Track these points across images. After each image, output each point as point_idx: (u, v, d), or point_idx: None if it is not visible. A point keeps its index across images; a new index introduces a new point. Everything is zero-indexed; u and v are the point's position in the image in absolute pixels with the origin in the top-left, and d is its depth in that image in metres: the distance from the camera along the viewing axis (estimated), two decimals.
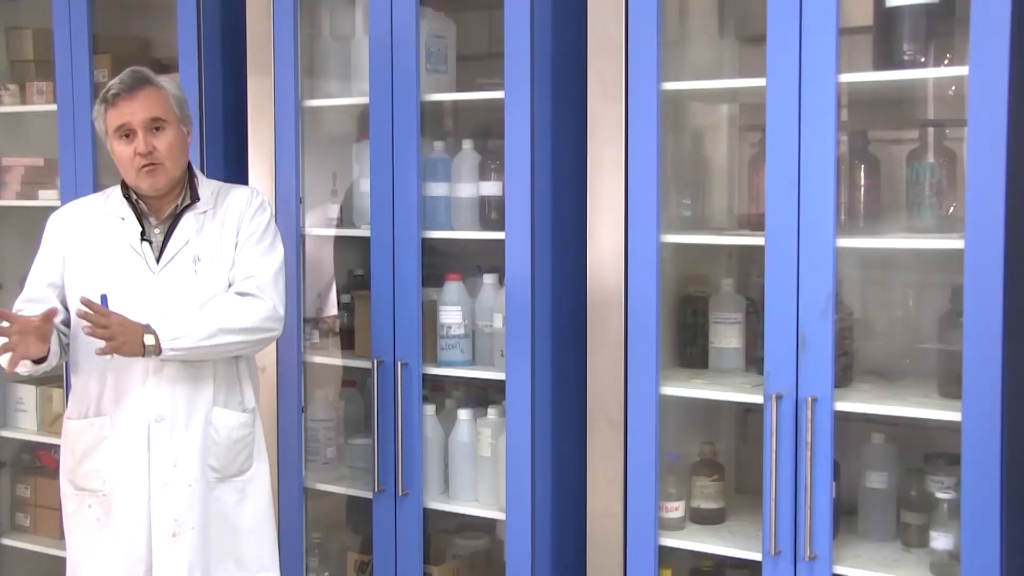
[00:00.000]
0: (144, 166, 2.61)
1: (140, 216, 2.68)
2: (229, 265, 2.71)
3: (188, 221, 2.69)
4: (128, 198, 2.69)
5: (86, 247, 2.68)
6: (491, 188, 3.07)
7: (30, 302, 2.68)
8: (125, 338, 2.49)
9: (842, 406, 2.55)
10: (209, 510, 2.70)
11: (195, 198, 2.72)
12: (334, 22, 3.34)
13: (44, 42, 3.73)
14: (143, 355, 2.53)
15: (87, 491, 2.70)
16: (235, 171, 3.36)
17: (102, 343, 2.48)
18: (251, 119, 3.27)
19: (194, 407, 2.67)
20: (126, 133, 2.61)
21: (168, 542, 2.65)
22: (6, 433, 3.96)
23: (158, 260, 2.66)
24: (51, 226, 2.75)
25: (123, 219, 2.68)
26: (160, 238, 2.68)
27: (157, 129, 2.62)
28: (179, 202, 2.71)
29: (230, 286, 2.69)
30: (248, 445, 2.78)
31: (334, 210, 3.36)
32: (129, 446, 2.65)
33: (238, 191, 2.82)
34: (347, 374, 3.43)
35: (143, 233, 2.67)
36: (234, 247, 2.72)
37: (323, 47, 3.31)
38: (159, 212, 2.70)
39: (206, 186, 2.76)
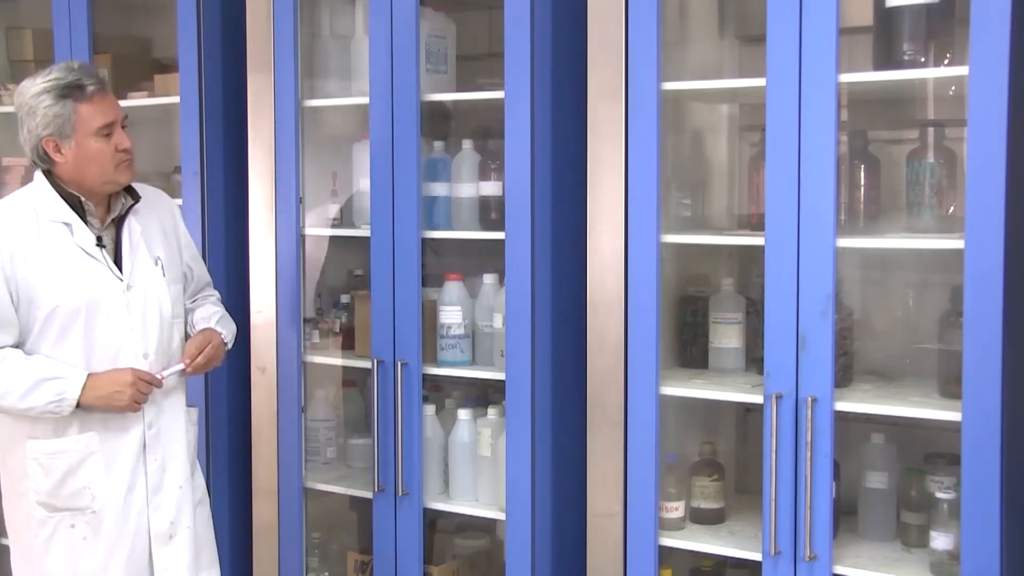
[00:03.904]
0: (124, 160, 2.56)
1: (84, 220, 2.58)
2: (180, 266, 2.76)
3: (131, 222, 2.64)
4: (73, 202, 2.57)
5: (32, 259, 2.52)
6: (491, 188, 3.07)
7: None
8: (219, 351, 2.75)
9: (842, 406, 2.55)
10: (194, 509, 2.72)
11: (136, 197, 2.66)
12: (334, 22, 3.34)
13: (44, 42, 3.73)
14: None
15: (70, 511, 2.58)
16: (235, 171, 3.37)
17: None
18: (251, 119, 3.26)
19: (175, 408, 2.70)
20: (107, 131, 2.54)
21: (166, 544, 2.66)
22: None
23: (118, 263, 2.60)
24: None
25: (67, 224, 2.56)
26: (111, 242, 2.62)
27: (123, 127, 2.59)
28: (124, 201, 2.64)
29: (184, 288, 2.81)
30: (196, 444, 2.82)
31: (334, 210, 3.35)
32: (122, 457, 2.61)
33: (154, 191, 2.80)
34: (347, 374, 3.43)
35: (99, 239, 2.58)
36: (179, 251, 2.77)
37: (323, 47, 3.31)
38: (103, 214, 2.62)
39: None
